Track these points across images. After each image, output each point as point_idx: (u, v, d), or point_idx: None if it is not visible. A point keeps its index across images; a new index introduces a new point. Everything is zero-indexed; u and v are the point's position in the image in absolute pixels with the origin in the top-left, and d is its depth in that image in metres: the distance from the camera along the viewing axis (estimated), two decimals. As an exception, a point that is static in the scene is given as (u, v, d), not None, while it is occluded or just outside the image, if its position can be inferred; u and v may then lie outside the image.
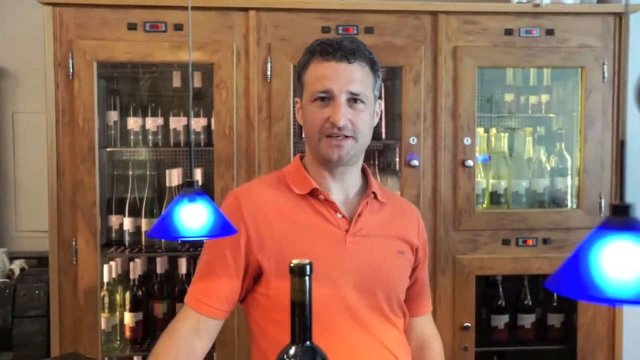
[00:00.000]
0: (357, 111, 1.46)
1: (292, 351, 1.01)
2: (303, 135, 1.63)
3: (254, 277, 1.49)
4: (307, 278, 0.99)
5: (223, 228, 1.11)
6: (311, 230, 1.48)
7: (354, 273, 1.47)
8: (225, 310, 1.48)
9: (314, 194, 1.51)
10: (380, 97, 1.58)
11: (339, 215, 1.50)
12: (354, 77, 1.45)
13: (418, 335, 1.64)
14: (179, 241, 2.47)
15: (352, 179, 1.55)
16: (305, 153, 1.59)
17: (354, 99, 1.45)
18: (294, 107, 2.12)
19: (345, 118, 1.44)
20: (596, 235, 0.66)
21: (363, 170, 1.61)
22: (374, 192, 1.55)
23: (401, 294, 1.56)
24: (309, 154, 1.56)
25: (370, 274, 1.49)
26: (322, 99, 1.45)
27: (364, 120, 1.47)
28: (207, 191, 2.47)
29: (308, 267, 0.99)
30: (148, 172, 2.63)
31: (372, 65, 1.51)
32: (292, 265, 1.00)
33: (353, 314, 1.45)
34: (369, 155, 2.67)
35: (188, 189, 1.11)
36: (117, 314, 2.52)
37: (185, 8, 2.28)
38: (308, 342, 1.01)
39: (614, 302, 0.63)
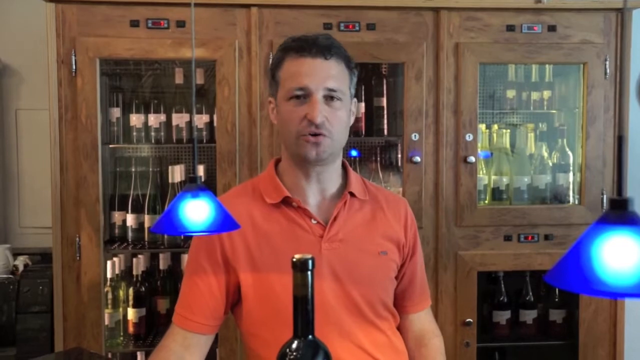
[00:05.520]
0: (334, 109, 1.41)
1: (294, 345, 1.02)
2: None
3: (237, 289, 1.47)
4: (309, 273, 1.00)
5: (225, 223, 1.12)
6: (284, 240, 1.44)
7: (330, 280, 1.43)
8: (212, 325, 1.47)
9: (287, 201, 1.47)
10: (356, 96, 1.53)
11: (314, 222, 1.46)
12: (331, 73, 1.41)
13: (416, 332, 1.59)
14: (182, 237, 2.48)
15: (329, 179, 1.50)
16: (281, 156, 1.54)
17: (330, 96, 1.41)
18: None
19: (322, 115, 1.39)
20: (595, 229, 0.67)
21: (344, 167, 1.56)
22: (351, 192, 1.50)
23: (385, 295, 1.51)
24: (284, 156, 1.51)
25: (348, 279, 1.44)
26: (298, 96, 1.41)
27: (340, 118, 1.43)
28: (209, 188, 2.50)
29: (310, 262, 1.00)
30: (151, 169, 2.63)
31: (348, 63, 1.46)
32: (294, 260, 1.01)
33: (332, 322, 1.42)
34: (371, 152, 2.68)
35: (191, 185, 1.12)
36: (120, 309, 2.53)
37: (187, 5, 2.30)
38: (310, 336, 1.02)
39: (615, 295, 0.63)
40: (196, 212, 1.08)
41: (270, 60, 2.31)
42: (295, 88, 1.40)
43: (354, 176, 1.55)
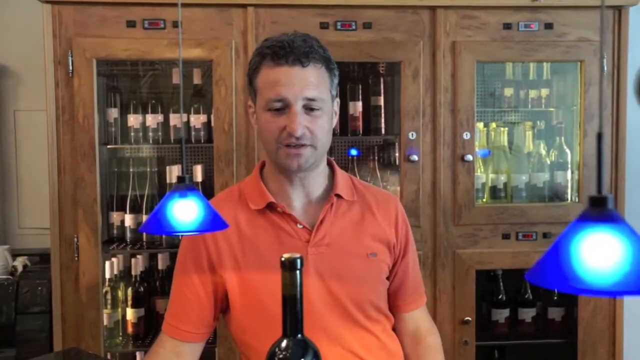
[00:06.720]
0: (315, 118, 1.38)
1: (283, 344, 1.02)
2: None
3: (226, 295, 1.46)
4: (297, 272, 1.00)
5: (214, 222, 1.12)
6: (270, 247, 1.43)
7: (318, 285, 1.42)
8: (201, 333, 1.47)
9: (271, 206, 1.45)
10: (337, 96, 1.49)
11: (299, 226, 1.44)
12: (309, 81, 1.37)
13: (411, 332, 1.57)
14: (180, 237, 2.48)
15: (314, 182, 1.48)
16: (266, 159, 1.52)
17: (310, 106, 1.37)
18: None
19: (303, 126, 1.36)
20: (575, 227, 0.67)
21: (331, 166, 1.53)
22: (337, 194, 1.48)
23: (376, 298, 1.49)
24: (267, 161, 1.50)
25: (336, 283, 1.43)
26: (276, 108, 1.37)
27: (321, 126, 1.39)
28: (207, 187, 2.51)
29: (299, 261, 1.00)
30: (149, 169, 2.64)
31: (328, 64, 1.42)
32: (282, 259, 1.01)
33: (320, 327, 1.40)
34: (369, 151, 2.68)
35: (179, 185, 1.12)
36: (119, 310, 2.53)
37: (183, 5, 2.30)
38: (299, 335, 1.02)
39: (593, 293, 0.63)
40: (184, 212, 1.09)
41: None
42: (273, 100, 1.37)
43: (341, 176, 1.52)
